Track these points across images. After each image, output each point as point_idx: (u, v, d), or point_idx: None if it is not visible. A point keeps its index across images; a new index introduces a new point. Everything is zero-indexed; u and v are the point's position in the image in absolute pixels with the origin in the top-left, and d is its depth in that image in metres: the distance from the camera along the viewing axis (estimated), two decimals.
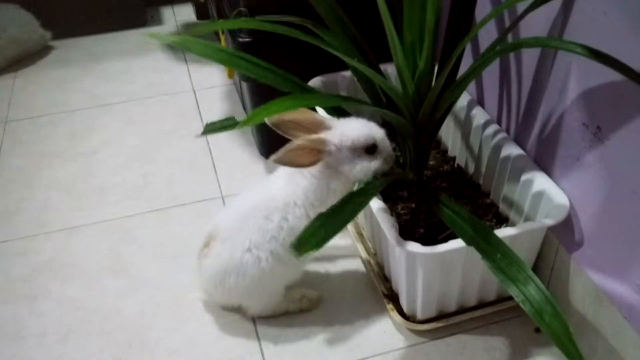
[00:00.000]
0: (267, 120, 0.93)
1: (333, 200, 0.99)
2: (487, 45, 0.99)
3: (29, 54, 2.07)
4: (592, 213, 0.96)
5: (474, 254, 0.85)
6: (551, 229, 1.02)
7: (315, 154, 0.96)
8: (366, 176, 0.99)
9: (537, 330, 1.07)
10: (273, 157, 0.92)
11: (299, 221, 1.00)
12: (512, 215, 1.12)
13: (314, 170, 1.00)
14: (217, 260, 1.04)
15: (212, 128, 1.08)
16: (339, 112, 1.16)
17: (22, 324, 1.14)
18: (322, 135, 0.97)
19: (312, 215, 1.00)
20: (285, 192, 1.01)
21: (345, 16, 1.08)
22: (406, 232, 1.09)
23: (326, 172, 0.99)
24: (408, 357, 1.05)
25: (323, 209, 0.93)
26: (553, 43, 0.90)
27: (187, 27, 2.27)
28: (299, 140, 0.93)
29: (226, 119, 1.08)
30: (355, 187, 1.01)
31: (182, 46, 0.95)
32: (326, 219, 0.81)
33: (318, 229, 0.78)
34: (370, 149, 0.99)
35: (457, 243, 0.93)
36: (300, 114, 0.97)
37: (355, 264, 1.22)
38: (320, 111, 1.18)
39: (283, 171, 1.04)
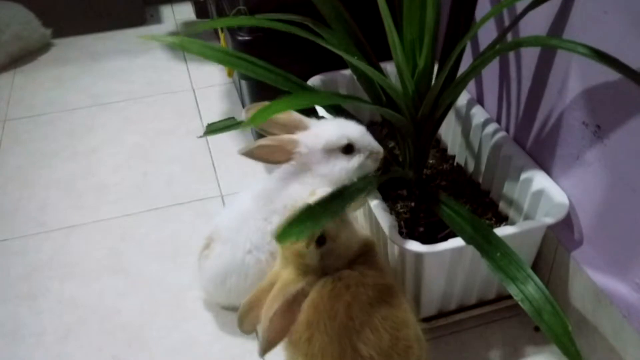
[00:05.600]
0: (244, 116, 0.95)
1: None
2: (487, 44, 0.99)
3: (29, 51, 2.07)
4: (591, 212, 0.96)
5: (474, 253, 0.85)
6: (551, 228, 1.02)
7: (284, 154, 0.98)
8: (348, 176, 1.00)
9: (537, 329, 1.07)
10: (241, 149, 0.94)
11: None
12: (511, 213, 1.12)
13: (312, 172, 1.00)
14: (218, 261, 1.04)
15: (213, 128, 1.08)
16: (338, 110, 1.16)
17: (21, 323, 1.14)
18: (295, 135, 0.98)
19: None
20: (283, 193, 1.01)
21: (347, 14, 1.07)
22: (406, 231, 1.09)
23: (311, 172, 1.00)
24: None
25: None
26: (553, 42, 0.90)
27: (187, 26, 2.26)
28: (266, 140, 0.96)
29: (227, 119, 1.08)
30: None
31: (180, 47, 0.95)
32: (312, 210, 0.77)
33: (303, 220, 0.74)
34: (347, 149, 1.00)
35: (457, 242, 0.93)
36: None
37: None
38: (320, 110, 1.18)
39: (281, 173, 1.04)
